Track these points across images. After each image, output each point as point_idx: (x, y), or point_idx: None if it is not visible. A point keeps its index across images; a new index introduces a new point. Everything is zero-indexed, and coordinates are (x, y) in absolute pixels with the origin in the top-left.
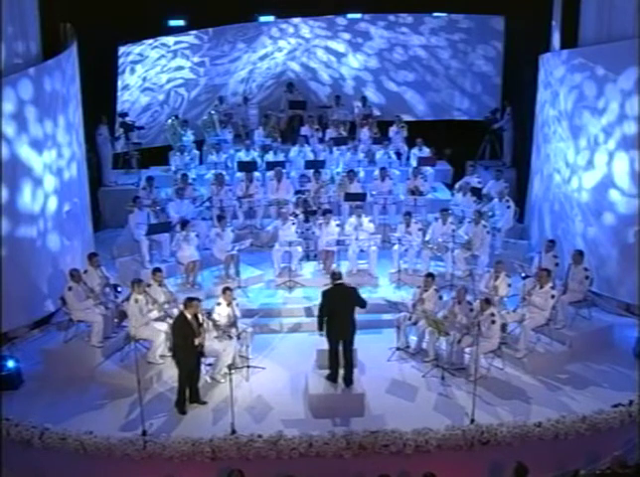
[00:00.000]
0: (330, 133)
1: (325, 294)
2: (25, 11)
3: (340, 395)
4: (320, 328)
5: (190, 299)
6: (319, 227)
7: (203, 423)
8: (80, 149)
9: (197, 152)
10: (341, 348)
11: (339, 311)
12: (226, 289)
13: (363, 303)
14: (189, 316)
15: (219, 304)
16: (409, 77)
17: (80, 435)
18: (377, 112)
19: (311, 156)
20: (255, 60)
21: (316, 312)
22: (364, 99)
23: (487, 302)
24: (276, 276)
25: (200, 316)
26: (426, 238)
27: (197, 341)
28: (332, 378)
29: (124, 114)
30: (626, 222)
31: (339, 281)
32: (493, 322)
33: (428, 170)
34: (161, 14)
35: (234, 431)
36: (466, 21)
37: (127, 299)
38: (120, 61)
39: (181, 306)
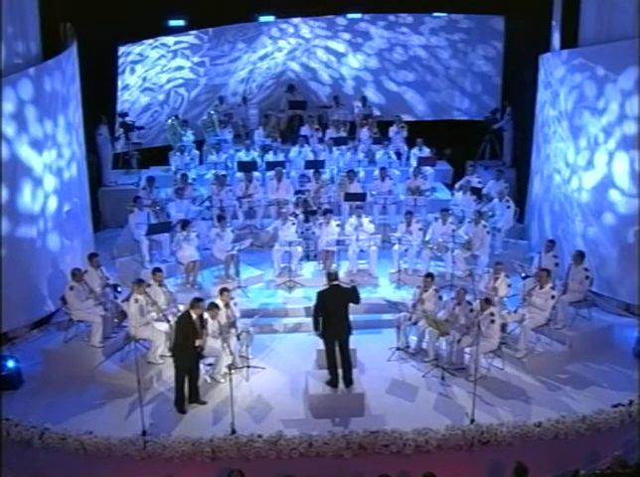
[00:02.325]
0: (330, 133)
1: (321, 295)
2: (25, 11)
3: (340, 395)
4: (316, 328)
5: (197, 300)
6: (319, 227)
7: (203, 423)
8: (80, 149)
9: (197, 152)
10: (338, 348)
11: (335, 311)
12: (223, 290)
13: (358, 300)
14: (194, 316)
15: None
16: (409, 77)
17: (80, 435)
18: (377, 112)
19: (311, 156)
20: (255, 60)
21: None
22: (364, 99)
23: (487, 302)
24: (276, 276)
25: (207, 318)
26: (426, 238)
27: (198, 342)
28: (333, 383)
29: (124, 114)
30: (626, 222)
31: (335, 282)
32: (492, 321)
33: (428, 170)
34: (161, 14)
35: (234, 431)
36: (466, 21)
37: (127, 299)
38: (120, 61)
39: (181, 306)
